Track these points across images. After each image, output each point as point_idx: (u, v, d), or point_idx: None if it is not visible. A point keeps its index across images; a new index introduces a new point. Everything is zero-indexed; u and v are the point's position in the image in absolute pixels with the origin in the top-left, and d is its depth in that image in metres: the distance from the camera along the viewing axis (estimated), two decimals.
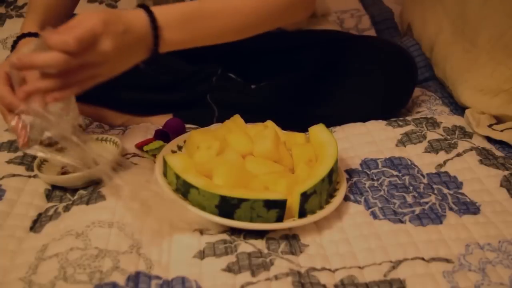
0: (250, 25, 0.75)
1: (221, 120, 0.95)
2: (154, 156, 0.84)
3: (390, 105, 0.99)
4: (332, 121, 0.96)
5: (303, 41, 1.09)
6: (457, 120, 0.94)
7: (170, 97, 1.00)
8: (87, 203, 0.71)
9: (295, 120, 0.98)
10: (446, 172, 0.81)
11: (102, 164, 0.75)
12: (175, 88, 1.01)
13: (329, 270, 0.63)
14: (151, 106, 1.02)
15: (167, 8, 0.67)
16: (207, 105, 1.00)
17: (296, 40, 1.10)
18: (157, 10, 0.66)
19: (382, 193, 0.77)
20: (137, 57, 0.67)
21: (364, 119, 0.96)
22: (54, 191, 0.78)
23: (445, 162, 0.83)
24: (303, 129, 0.96)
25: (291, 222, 0.67)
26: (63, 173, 0.80)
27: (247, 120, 0.90)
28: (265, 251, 0.65)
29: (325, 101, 0.97)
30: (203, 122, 0.98)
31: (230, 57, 0.93)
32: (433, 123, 0.92)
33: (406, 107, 1.08)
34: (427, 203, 0.74)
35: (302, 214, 0.68)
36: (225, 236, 0.67)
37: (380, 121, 0.95)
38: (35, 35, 0.82)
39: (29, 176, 0.79)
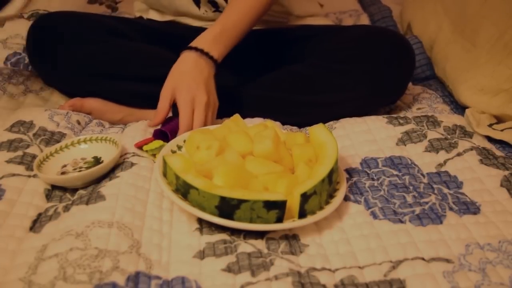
0: (255, 19, 0.96)
1: (219, 115, 0.95)
2: (154, 155, 0.84)
3: (387, 91, 0.99)
4: (330, 109, 0.97)
5: (298, 34, 1.10)
6: (457, 120, 0.93)
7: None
8: (87, 203, 0.71)
9: (294, 111, 0.98)
10: (446, 172, 0.81)
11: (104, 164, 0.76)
12: None
13: (329, 270, 0.63)
14: (150, 99, 1.02)
15: (202, 40, 0.90)
16: None
17: (289, 34, 1.11)
18: (198, 43, 0.90)
19: (382, 193, 0.77)
20: (212, 75, 0.91)
21: (362, 104, 0.96)
22: (54, 191, 0.77)
23: (445, 162, 0.83)
24: (302, 120, 0.97)
25: (291, 223, 0.67)
26: (63, 173, 0.80)
27: (245, 115, 0.91)
28: (265, 251, 0.65)
29: (322, 90, 0.97)
30: None
31: (229, 53, 0.95)
32: (434, 122, 0.92)
33: (406, 104, 1.08)
34: (427, 203, 0.74)
35: (302, 214, 0.68)
36: (225, 236, 0.67)
37: (381, 118, 0.95)
38: None
39: (29, 176, 0.79)
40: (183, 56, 0.89)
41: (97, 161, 0.82)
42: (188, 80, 0.86)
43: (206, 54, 0.89)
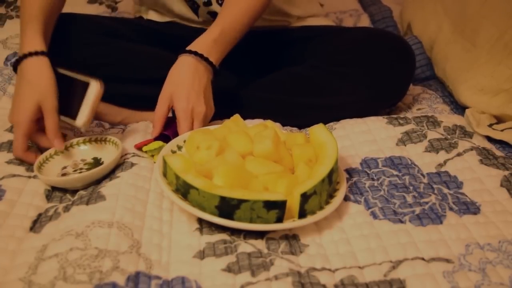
0: (252, 21, 0.95)
1: (220, 115, 0.95)
2: (153, 156, 0.84)
3: (387, 95, 0.99)
4: (331, 112, 0.97)
5: (298, 35, 1.10)
6: (457, 120, 0.94)
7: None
8: (87, 203, 0.71)
9: (294, 113, 0.98)
10: (446, 172, 0.81)
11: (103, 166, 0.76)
12: None
13: (329, 270, 0.63)
14: (150, 101, 1.02)
15: (202, 43, 0.89)
16: None
17: (290, 35, 1.11)
18: (197, 47, 0.88)
19: (382, 193, 0.77)
20: (210, 82, 0.90)
21: (362, 107, 0.96)
22: (54, 192, 0.78)
23: (445, 162, 0.83)
24: (302, 122, 0.97)
25: (291, 223, 0.67)
26: (63, 175, 0.80)
27: (246, 116, 0.91)
28: (265, 251, 0.65)
29: (323, 92, 0.97)
30: None
31: (228, 54, 0.94)
32: (434, 122, 0.92)
33: (406, 104, 1.08)
34: (427, 203, 0.74)
35: (302, 214, 0.68)
36: (225, 236, 0.67)
37: (381, 118, 0.95)
38: (37, 53, 0.82)
39: (29, 177, 0.79)
40: (182, 60, 0.88)
41: (97, 162, 0.82)
42: (187, 88, 0.85)
43: (205, 59, 0.87)
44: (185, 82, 0.86)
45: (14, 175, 0.78)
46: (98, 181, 0.78)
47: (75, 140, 0.85)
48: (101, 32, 1.00)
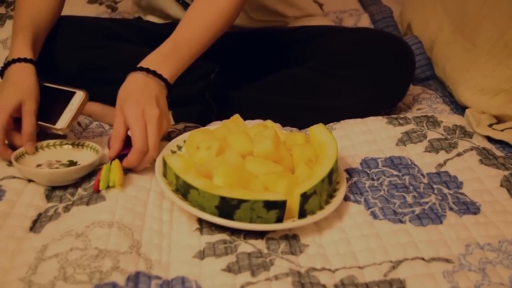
0: (213, 35, 0.89)
1: (220, 117, 0.95)
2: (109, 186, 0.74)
3: (387, 96, 1.00)
4: (330, 114, 0.97)
5: (297, 36, 1.10)
6: (457, 120, 0.94)
7: (169, 94, 1.00)
8: (87, 203, 0.71)
9: (294, 115, 0.98)
10: (446, 172, 0.81)
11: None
12: (174, 85, 1.02)
13: (329, 270, 0.63)
14: None
15: (152, 59, 0.83)
16: (206, 102, 1.00)
17: (290, 36, 1.11)
18: (146, 63, 0.82)
19: (382, 193, 0.77)
20: (163, 95, 0.82)
21: (363, 109, 0.97)
22: (54, 191, 0.78)
23: (445, 162, 0.83)
24: (302, 124, 0.97)
25: (291, 223, 0.67)
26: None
27: (246, 117, 0.91)
28: (265, 251, 0.65)
29: (323, 94, 0.97)
30: (202, 119, 0.98)
31: (227, 55, 0.94)
32: (434, 122, 0.92)
33: (406, 104, 1.08)
34: (427, 203, 0.74)
35: (302, 214, 0.68)
36: (225, 236, 0.67)
37: (381, 118, 0.95)
38: (25, 60, 0.85)
39: (29, 180, 0.79)
40: (129, 78, 0.82)
41: (73, 164, 0.82)
42: (136, 95, 0.78)
43: (153, 72, 0.81)
44: (134, 92, 0.79)
45: (14, 177, 0.78)
46: (76, 182, 0.78)
47: (51, 141, 0.84)
48: (100, 35, 1.00)
